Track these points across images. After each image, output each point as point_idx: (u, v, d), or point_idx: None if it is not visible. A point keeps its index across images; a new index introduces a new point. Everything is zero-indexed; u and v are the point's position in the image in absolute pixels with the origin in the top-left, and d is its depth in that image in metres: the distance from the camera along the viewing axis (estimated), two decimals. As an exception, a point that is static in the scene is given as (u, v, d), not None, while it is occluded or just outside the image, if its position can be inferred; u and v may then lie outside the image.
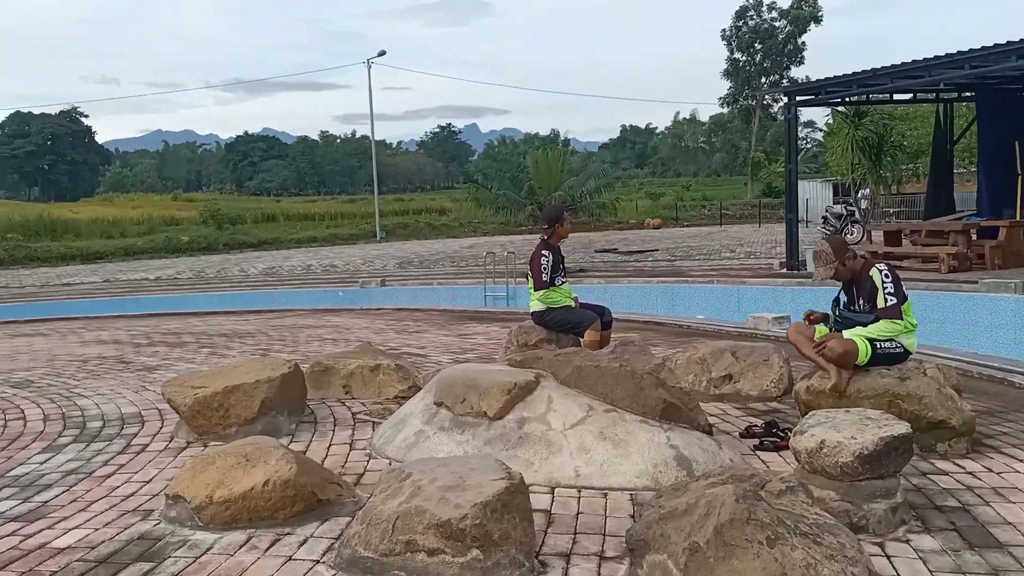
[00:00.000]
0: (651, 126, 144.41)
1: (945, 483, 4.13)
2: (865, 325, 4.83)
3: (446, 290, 18.05)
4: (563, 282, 6.81)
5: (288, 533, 3.49)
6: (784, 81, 50.81)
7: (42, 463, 4.62)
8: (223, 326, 11.11)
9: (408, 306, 13.73)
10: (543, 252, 6.65)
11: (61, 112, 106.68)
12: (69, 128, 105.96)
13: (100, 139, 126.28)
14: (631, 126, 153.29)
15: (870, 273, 4.87)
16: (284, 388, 5.17)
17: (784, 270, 16.53)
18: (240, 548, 3.36)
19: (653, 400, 4.49)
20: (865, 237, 18.75)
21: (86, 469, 4.48)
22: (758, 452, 4.68)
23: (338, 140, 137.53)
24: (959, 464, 4.41)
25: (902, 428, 3.69)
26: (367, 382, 6.11)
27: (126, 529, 3.58)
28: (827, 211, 22.16)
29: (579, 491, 4.03)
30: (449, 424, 4.56)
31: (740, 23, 55.59)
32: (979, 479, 4.17)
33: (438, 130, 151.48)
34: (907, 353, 4.88)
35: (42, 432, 5.31)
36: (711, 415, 5.58)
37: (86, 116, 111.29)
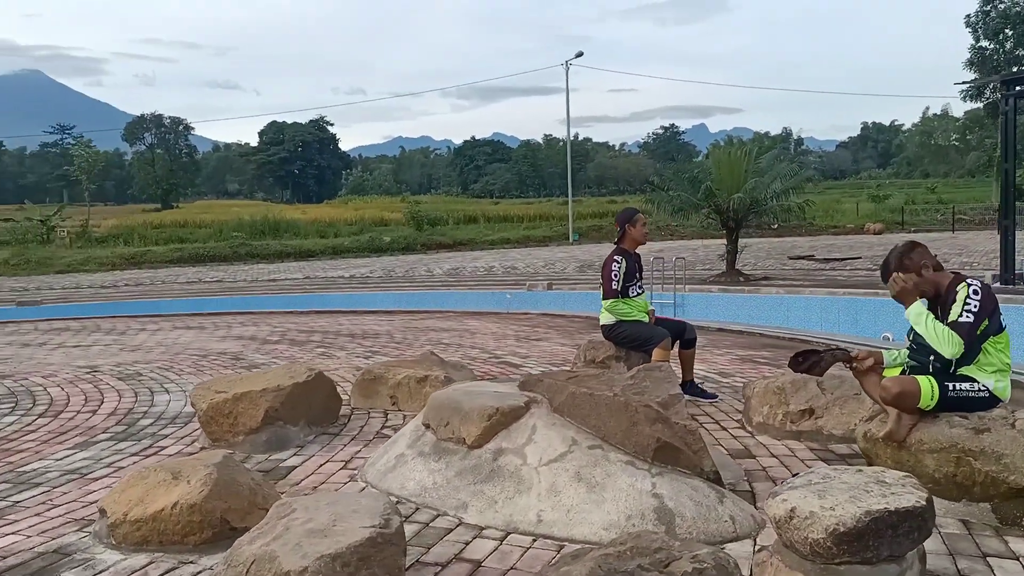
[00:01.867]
0: (896, 123, 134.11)
1: (1007, 570, 3.19)
2: (944, 355, 3.90)
3: (613, 295, 17.49)
4: (638, 293, 6.18)
5: (189, 562, 3.30)
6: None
7: (58, 460, 4.79)
8: (362, 326, 11.35)
9: (553, 311, 13.38)
10: (615, 258, 6.07)
11: (311, 121, 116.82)
12: (317, 136, 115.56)
13: (348, 145, 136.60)
14: (874, 123, 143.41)
15: (957, 288, 3.91)
16: (296, 398, 5.03)
17: (997, 284, 14.41)
18: (133, 574, 3.20)
19: (646, 437, 3.86)
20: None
21: (88, 470, 4.58)
22: (788, 508, 3.89)
23: (560, 143, 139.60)
24: (1043, 548, 3.40)
25: (910, 500, 2.87)
26: (413, 394, 5.87)
27: (53, 540, 3.55)
28: (1065, 216, 19.08)
29: (534, 540, 3.52)
30: (430, 449, 4.19)
31: (988, 7, 49.63)
32: (1057, 571, 3.19)
33: (661, 131, 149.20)
34: (994, 399, 3.87)
35: (93, 427, 5.53)
36: (776, 456, 4.81)
37: (331, 124, 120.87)
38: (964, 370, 3.93)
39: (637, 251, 6.33)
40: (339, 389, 5.75)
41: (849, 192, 62.31)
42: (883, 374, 4.24)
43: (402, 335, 10.27)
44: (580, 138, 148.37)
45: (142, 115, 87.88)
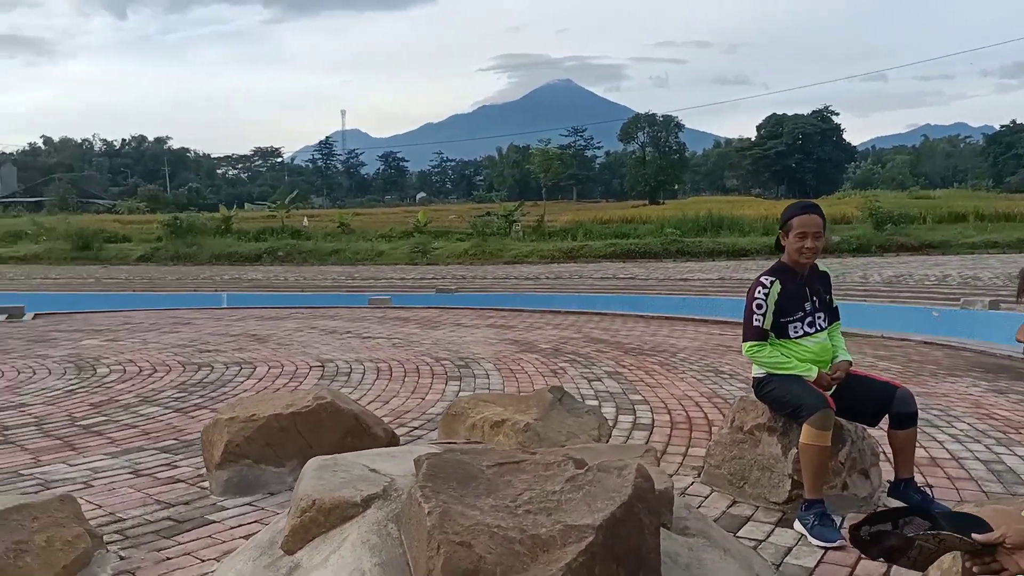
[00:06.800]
0: None
1: None
2: None
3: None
4: (807, 332, 3.98)
5: None
6: None
7: None
8: (648, 338, 9.79)
9: (936, 339, 10.14)
10: (762, 280, 3.99)
11: (813, 112, 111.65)
12: (818, 127, 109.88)
13: (864, 137, 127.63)
14: None
15: None
16: (277, 432, 4.15)
17: None
18: None
19: (435, 602, 2.20)
20: None
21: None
22: None
23: None
24: None
25: None
26: (487, 439, 4.59)
27: None
28: None
29: None
30: (269, 539, 3.01)
31: None
32: None
33: None
34: None
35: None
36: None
37: (836, 114, 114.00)
38: None
39: (817, 266, 4.10)
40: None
41: None
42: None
43: (645, 352, 8.57)
44: None
45: (636, 115, 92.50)
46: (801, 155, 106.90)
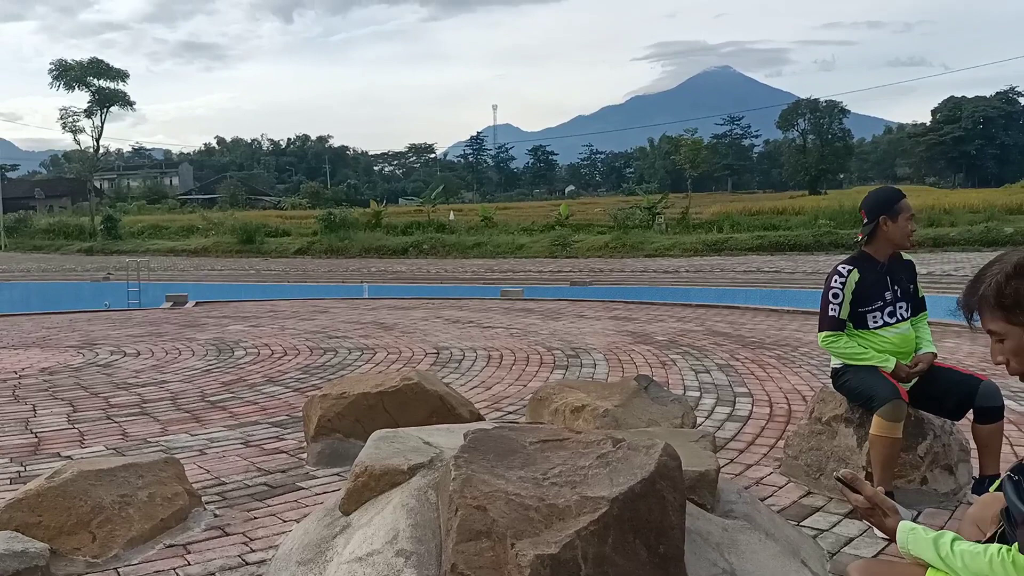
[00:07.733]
0: None
1: None
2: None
3: None
4: (887, 322, 3.88)
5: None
6: None
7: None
8: (776, 332, 9.57)
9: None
10: (839, 269, 3.93)
11: (997, 93, 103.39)
12: (1003, 109, 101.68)
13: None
14: None
15: None
16: (365, 409, 4.46)
17: None
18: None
19: (446, 560, 2.38)
20: None
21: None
22: None
23: None
24: None
25: None
26: (568, 424, 4.73)
27: None
28: None
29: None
30: (333, 504, 3.28)
31: None
32: None
33: None
34: None
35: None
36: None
37: (1022, 95, 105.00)
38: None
39: (901, 255, 3.99)
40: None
41: None
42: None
43: (765, 346, 8.33)
44: None
45: (797, 101, 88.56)
46: (982, 140, 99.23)
